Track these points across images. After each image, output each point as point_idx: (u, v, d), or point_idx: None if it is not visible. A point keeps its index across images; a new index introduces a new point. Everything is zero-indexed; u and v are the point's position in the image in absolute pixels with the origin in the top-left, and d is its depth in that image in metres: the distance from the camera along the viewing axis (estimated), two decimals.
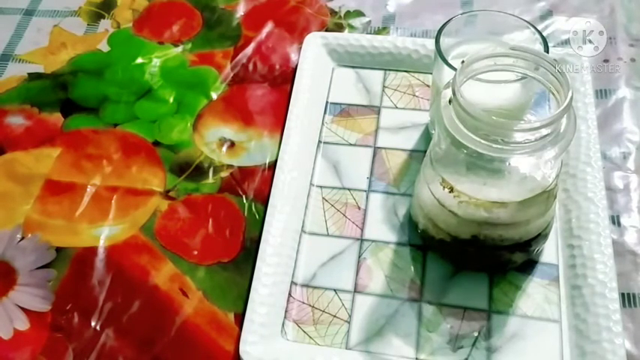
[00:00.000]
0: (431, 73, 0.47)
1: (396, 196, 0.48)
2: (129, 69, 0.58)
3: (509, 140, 0.33)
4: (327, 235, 0.46)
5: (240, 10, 0.62)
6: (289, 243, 0.45)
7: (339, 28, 0.60)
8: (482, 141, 0.34)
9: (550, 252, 0.44)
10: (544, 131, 0.33)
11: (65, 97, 0.56)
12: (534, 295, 0.42)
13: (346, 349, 0.41)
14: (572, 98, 0.33)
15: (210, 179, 0.50)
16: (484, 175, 0.38)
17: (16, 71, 0.58)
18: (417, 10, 0.61)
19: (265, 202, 0.47)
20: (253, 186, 0.49)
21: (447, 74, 0.42)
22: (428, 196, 0.41)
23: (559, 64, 0.34)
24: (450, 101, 0.35)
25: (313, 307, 0.43)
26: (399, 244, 0.45)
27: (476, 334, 0.41)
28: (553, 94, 0.35)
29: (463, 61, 0.35)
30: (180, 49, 0.59)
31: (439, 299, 0.42)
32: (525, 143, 0.33)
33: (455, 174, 0.38)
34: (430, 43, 0.53)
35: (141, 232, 0.47)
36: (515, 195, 0.38)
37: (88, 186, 0.50)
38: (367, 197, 0.48)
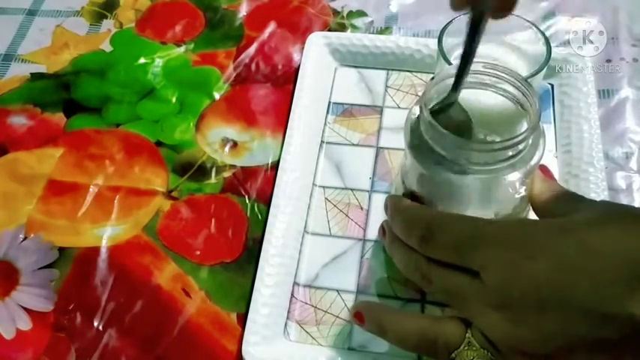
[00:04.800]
0: (433, 73, 0.47)
1: None
2: (131, 69, 0.58)
3: (470, 160, 0.33)
4: (330, 235, 0.46)
5: (243, 10, 0.62)
6: (292, 243, 0.45)
7: (341, 28, 0.60)
8: (447, 159, 0.33)
9: None
10: (509, 151, 0.32)
11: (68, 97, 0.56)
12: None
13: (348, 349, 0.41)
14: (539, 118, 0.32)
15: (213, 179, 0.50)
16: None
17: (18, 71, 0.58)
18: (420, 10, 0.61)
19: (268, 203, 0.47)
20: (256, 186, 0.49)
21: None
22: None
23: (530, 86, 0.34)
24: (418, 117, 0.35)
25: (316, 307, 0.43)
26: None
27: None
28: (524, 114, 0.34)
29: (432, 78, 0.35)
30: (182, 49, 0.59)
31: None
32: (484, 165, 0.33)
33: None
34: (433, 43, 0.53)
35: (143, 232, 0.47)
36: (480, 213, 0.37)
37: (91, 186, 0.50)
38: (370, 197, 0.48)
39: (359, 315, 0.36)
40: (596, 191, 0.45)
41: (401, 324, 0.34)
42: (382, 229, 0.38)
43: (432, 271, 0.33)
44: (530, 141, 0.33)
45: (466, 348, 0.31)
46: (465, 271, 0.31)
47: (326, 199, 0.48)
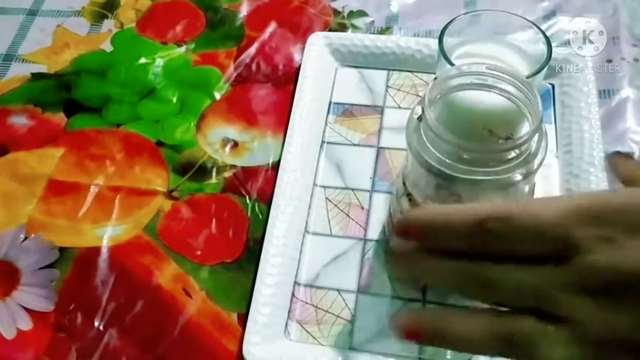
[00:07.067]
0: (434, 73, 0.47)
1: None
2: (132, 69, 0.58)
3: (472, 162, 0.32)
4: (331, 235, 0.46)
5: (244, 10, 0.62)
6: (292, 243, 0.45)
7: (342, 28, 0.60)
8: (448, 161, 0.33)
9: None
10: (512, 153, 0.32)
11: (68, 97, 0.56)
12: None
13: (349, 349, 0.41)
14: (541, 121, 0.32)
15: (214, 179, 0.50)
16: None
17: (19, 71, 0.58)
18: (420, 10, 0.61)
19: (268, 202, 0.47)
20: (256, 186, 0.49)
21: None
22: (396, 209, 0.41)
23: (531, 86, 0.33)
24: (419, 118, 0.35)
25: (316, 307, 0.43)
26: None
27: None
28: (526, 115, 0.34)
29: (435, 78, 0.34)
30: (183, 49, 0.59)
31: (442, 299, 0.42)
32: (487, 167, 0.32)
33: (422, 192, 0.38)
34: (433, 43, 0.53)
35: (144, 232, 0.47)
36: None
37: (91, 186, 0.50)
38: (370, 197, 0.48)
39: (412, 332, 0.29)
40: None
41: (465, 326, 0.28)
42: (397, 256, 0.30)
43: (497, 272, 0.28)
44: (532, 142, 0.33)
45: (551, 343, 0.26)
46: (540, 261, 0.27)
47: (327, 198, 0.48)
